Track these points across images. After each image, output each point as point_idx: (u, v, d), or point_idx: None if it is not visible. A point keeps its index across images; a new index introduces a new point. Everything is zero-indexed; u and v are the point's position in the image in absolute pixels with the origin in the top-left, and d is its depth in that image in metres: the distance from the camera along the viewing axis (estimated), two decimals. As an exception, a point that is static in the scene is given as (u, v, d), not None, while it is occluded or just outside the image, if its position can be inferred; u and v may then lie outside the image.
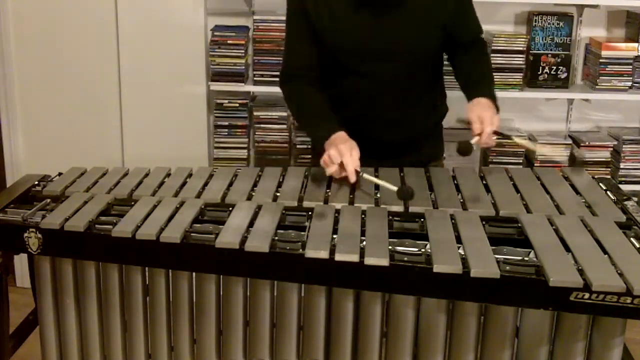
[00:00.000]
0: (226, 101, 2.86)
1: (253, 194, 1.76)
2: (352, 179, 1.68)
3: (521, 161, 2.88)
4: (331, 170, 1.70)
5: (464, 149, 1.76)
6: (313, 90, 1.91)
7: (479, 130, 1.76)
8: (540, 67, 2.83)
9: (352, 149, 1.71)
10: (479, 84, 1.93)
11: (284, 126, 2.86)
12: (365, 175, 1.69)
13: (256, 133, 2.88)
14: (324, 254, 1.45)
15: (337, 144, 1.71)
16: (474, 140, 1.78)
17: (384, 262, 1.41)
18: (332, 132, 1.78)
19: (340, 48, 1.88)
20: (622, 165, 2.88)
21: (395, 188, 1.63)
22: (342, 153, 1.69)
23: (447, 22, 1.89)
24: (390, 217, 1.61)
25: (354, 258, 1.43)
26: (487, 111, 1.79)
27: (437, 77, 2.04)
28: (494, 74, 2.78)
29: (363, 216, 1.60)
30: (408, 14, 1.85)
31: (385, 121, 1.94)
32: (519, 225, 1.57)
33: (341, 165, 1.69)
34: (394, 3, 1.83)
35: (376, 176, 1.74)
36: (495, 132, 1.78)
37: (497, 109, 1.84)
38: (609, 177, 2.84)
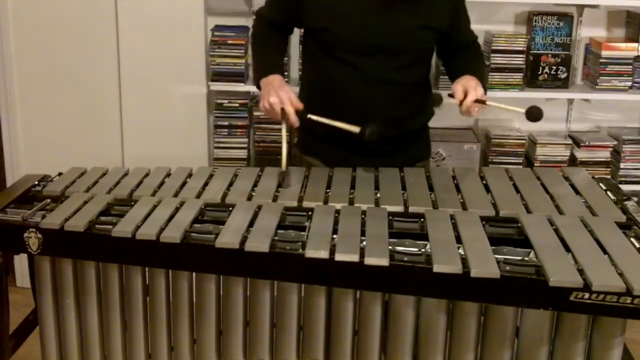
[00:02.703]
0: (226, 101, 2.86)
1: (253, 194, 1.76)
2: (296, 124, 1.79)
3: (521, 161, 2.88)
4: (272, 115, 1.81)
5: (436, 100, 1.80)
6: (272, 34, 2.02)
7: (461, 96, 1.78)
8: (540, 67, 2.83)
9: (289, 95, 1.79)
10: (465, 70, 1.94)
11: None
12: (314, 117, 1.78)
13: (256, 133, 2.88)
14: (324, 254, 1.45)
15: (277, 90, 1.80)
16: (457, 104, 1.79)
17: (384, 262, 1.41)
18: (269, 73, 1.89)
19: (328, 33, 1.90)
20: (622, 165, 2.88)
21: (357, 129, 1.76)
22: (283, 101, 1.78)
23: (441, 26, 1.92)
24: (390, 217, 1.61)
25: (354, 258, 1.43)
26: (471, 81, 1.82)
27: (423, 83, 2.04)
28: (494, 73, 2.82)
29: (363, 216, 1.60)
30: (402, 13, 1.87)
31: (367, 117, 1.93)
32: (519, 225, 1.57)
33: (283, 111, 1.78)
34: (393, 2, 1.85)
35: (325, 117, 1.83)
36: (479, 101, 1.78)
37: (484, 88, 1.85)
38: (609, 177, 2.84)
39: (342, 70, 1.92)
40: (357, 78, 1.91)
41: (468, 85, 1.80)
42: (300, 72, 2.64)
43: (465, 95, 1.79)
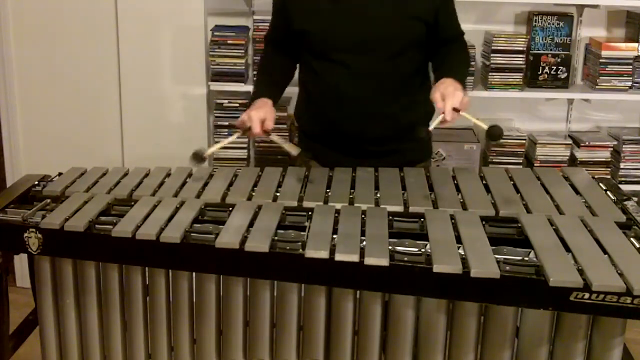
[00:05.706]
0: (226, 101, 2.86)
1: (253, 194, 1.76)
2: (260, 134, 1.89)
3: (521, 161, 2.88)
4: (243, 131, 1.92)
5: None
6: (276, 58, 2.09)
7: (442, 107, 1.71)
8: (540, 67, 2.83)
9: (263, 116, 1.87)
10: (448, 69, 1.90)
11: (284, 126, 2.86)
12: (273, 137, 1.91)
13: (256, 133, 2.88)
14: (324, 254, 1.45)
15: (252, 109, 1.90)
16: (439, 119, 1.71)
17: (384, 262, 1.41)
18: (258, 96, 1.99)
19: (314, 35, 1.92)
20: (622, 165, 2.88)
21: (295, 152, 1.85)
22: (252, 119, 1.85)
23: (427, 16, 1.91)
24: (390, 217, 1.61)
25: (354, 258, 1.43)
26: (449, 87, 1.75)
27: (419, 74, 2.01)
28: (494, 73, 2.81)
29: (363, 216, 1.60)
30: (384, 5, 1.87)
31: (365, 115, 1.93)
32: (519, 225, 1.57)
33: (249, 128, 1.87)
34: None
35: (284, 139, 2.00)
36: (456, 110, 1.70)
37: (464, 89, 1.80)
38: (609, 177, 2.84)
39: (332, 69, 1.92)
40: (347, 75, 1.91)
41: (446, 92, 1.73)
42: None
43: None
